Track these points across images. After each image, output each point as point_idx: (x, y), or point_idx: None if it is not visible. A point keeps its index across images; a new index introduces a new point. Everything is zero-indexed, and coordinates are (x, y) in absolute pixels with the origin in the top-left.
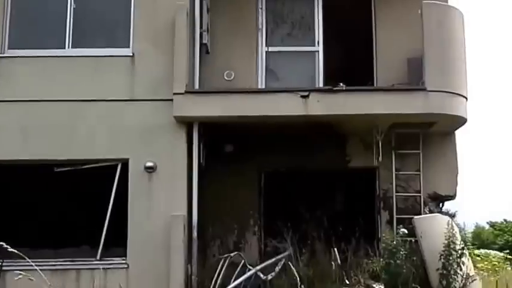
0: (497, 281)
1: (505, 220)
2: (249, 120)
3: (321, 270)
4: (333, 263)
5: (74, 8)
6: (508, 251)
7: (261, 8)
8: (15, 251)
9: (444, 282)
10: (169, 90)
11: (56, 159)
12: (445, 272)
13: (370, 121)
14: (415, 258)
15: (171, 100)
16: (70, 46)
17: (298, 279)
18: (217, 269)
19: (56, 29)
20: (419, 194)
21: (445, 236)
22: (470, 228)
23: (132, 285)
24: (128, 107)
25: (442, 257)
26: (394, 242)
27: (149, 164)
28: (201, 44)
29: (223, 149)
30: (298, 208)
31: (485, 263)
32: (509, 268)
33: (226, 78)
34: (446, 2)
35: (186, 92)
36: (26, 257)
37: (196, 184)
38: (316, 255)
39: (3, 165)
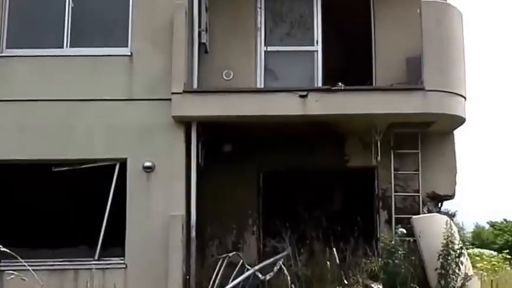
0: (492, 281)
1: (505, 220)
2: (248, 120)
3: (319, 270)
4: (329, 262)
5: (72, 7)
6: (507, 250)
7: (260, 8)
8: (7, 251)
9: (443, 282)
10: (167, 89)
11: (54, 158)
12: (443, 271)
13: (369, 121)
14: (413, 258)
15: (170, 100)
16: (68, 45)
17: (289, 278)
18: (215, 269)
19: (54, 28)
20: (418, 194)
21: (444, 236)
22: (470, 228)
23: (130, 285)
24: (126, 107)
25: (440, 256)
26: (393, 242)
27: (147, 163)
28: (200, 44)
29: (222, 148)
30: (297, 208)
31: (485, 262)
32: (509, 268)
33: (225, 77)
34: (445, 0)
35: (185, 92)
36: (17, 256)
37: (194, 184)
38: (315, 255)
39: (1, 164)
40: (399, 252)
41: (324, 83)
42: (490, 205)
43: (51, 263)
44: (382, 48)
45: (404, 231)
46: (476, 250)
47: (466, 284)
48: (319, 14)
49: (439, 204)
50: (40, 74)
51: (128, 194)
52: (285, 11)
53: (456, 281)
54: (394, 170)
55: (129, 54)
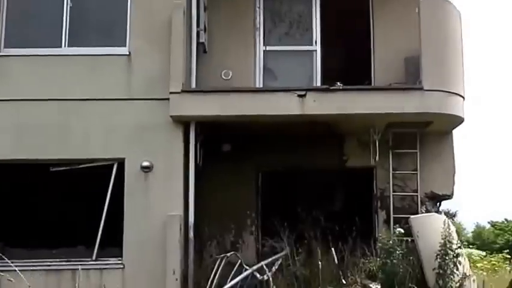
0: (483, 281)
1: (505, 219)
2: (246, 119)
3: (317, 270)
4: (327, 262)
5: (70, 7)
6: (508, 250)
7: (259, 7)
8: None
9: (441, 282)
10: (165, 89)
11: (51, 158)
12: (441, 271)
13: (367, 120)
14: (411, 257)
15: (168, 99)
16: (66, 45)
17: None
18: (213, 269)
19: (52, 27)
20: (416, 194)
21: (441, 236)
22: (470, 228)
23: (128, 285)
24: (124, 106)
25: (438, 256)
26: (391, 242)
27: (145, 163)
28: (198, 43)
29: (221, 148)
30: (295, 208)
31: (485, 262)
32: (508, 268)
33: (223, 77)
34: (444, 0)
35: (183, 91)
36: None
37: (193, 184)
38: (313, 255)
39: None
40: (397, 252)
41: (322, 83)
42: (491, 205)
43: (49, 263)
44: (380, 48)
45: (402, 231)
46: (464, 250)
47: (464, 283)
48: (318, 13)
49: (438, 204)
50: (38, 73)
51: (126, 194)
52: (283, 11)
53: (454, 280)
54: (393, 170)
55: (127, 53)
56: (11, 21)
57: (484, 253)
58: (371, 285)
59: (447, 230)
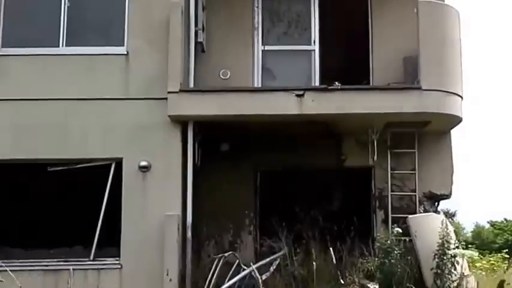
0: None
1: (505, 219)
2: (245, 119)
3: (316, 269)
4: (325, 262)
5: (68, 6)
6: (507, 250)
7: (257, 7)
8: None
9: (438, 282)
10: (163, 88)
11: (49, 158)
12: (439, 271)
13: (366, 120)
14: (409, 257)
15: (166, 99)
16: (64, 44)
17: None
18: (211, 268)
19: (50, 27)
20: (414, 193)
21: (439, 236)
22: (470, 228)
23: (125, 285)
24: (122, 106)
25: (436, 256)
26: (389, 242)
27: (143, 163)
28: (196, 43)
29: (219, 148)
30: (293, 207)
31: (483, 262)
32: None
33: (222, 77)
34: (443, 0)
35: (181, 91)
36: None
37: (191, 183)
38: (311, 255)
39: None
40: (395, 251)
41: (321, 82)
42: (490, 205)
43: (46, 263)
44: (379, 47)
45: (400, 230)
46: (457, 251)
47: (462, 283)
48: (317, 13)
49: (436, 203)
50: (36, 73)
51: (124, 193)
52: (282, 11)
53: (452, 280)
54: (391, 170)
55: (125, 53)
56: (9, 21)
57: (476, 253)
58: (369, 285)
59: (445, 229)
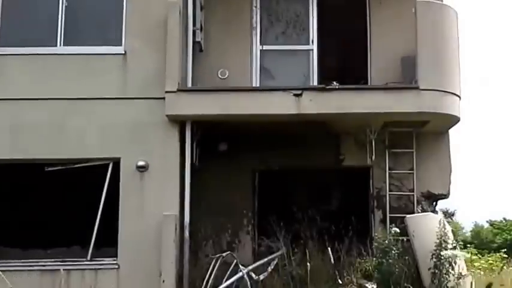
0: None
1: (504, 219)
2: (243, 118)
3: (313, 269)
4: (323, 262)
5: (65, 6)
6: (505, 249)
7: (256, 7)
8: None
9: (436, 282)
10: (161, 88)
11: (46, 158)
12: (436, 271)
13: (363, 120)
14: (407, 257)
15: (164, 98)
16: (62, 44)
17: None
18: (209, 269)
19: (47, 26)
20: (412, 193)
21: (437, 235)
22: (469, 227)
23: (123, 285)
24: (119, 106)
25: (433, 256)
26: (387, 241)
27: (141, 163)
28: (194, 42)
29: (217, 147)
30: (292, 207)
31: (482, 262)
32: (505, 267)
33: (220, 76)
34: (441, 0)
35: (179, 90)
36: None
37: (188, 183)
38: (309, 255)
39: None
40: (393, 251)
41: (319, 82)
42: (490, 204)
43: (43, 263)
44: (377, 47)
45: (398, 230)
46: (449, 252)
47: (460, 283)
48: (315, 13)
49: (434, 203)
50: (33, 72)
51: (121, 193)
52: (280, 10)
53: (450, 280)
54: (389, 169)
55: (123, 52)
56: (6, 20)
57: (468, 254)
58: (367, 285)
59: (442, 229)
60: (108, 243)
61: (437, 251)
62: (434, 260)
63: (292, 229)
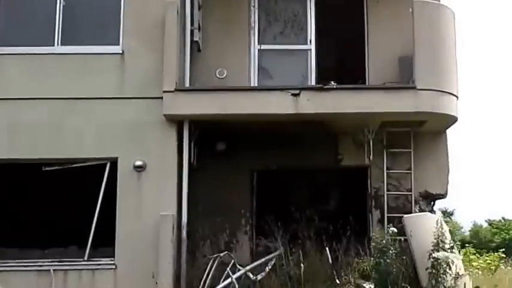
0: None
1: (503, 218)
2: (241, 118)
3: (311, 269)
4: (321, 262)
5: (63, 5)
6: (503, 249)
7: (254, 6)
8: None
9: (433, 282)
10: (159, 88)
11: (44, 158)
12: (434, 271)
13: (361, 119)
14: (405, 257)
15: (161, 98)
16: (59, 43)
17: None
18: (206, 269)
19: (45, 26)
20: (410, 193)
21: (434, 235)
22: (467, 226)
23: (120, 285)
24: (117, 105)
25: (431, 256)
26: (384, 241)
27: (138, 162)
28: (192, 42)
29: (215, 147)
30: (290, 207)
31: (480, 261)
32: (503, 267)
33: (218, 76)
34: (438, 0)
35: (176, 90)
36: None
37: (186, 183)
38: (307, 255)
39: None
40: (391, 251)
41: (317, 82)
42: (489, 204)
43: (40, 263)
44: (375, 47)
45: (396, 230)
46: (441, 253)
47: (458, 283)
48: (313, 13)
49: (432, 203)
50: (31, 72)
51: (119, 193)
52: (278, 10)
53: (447, 280)
54: (387, 169)
55: (121, 52)
56: (4, 19)
57: (460, 256)
58: (365, 285)
59: (440, 229)
60: (105, 243)
61: (435, 251)
62: (431, 260)
63: (290, 229)
